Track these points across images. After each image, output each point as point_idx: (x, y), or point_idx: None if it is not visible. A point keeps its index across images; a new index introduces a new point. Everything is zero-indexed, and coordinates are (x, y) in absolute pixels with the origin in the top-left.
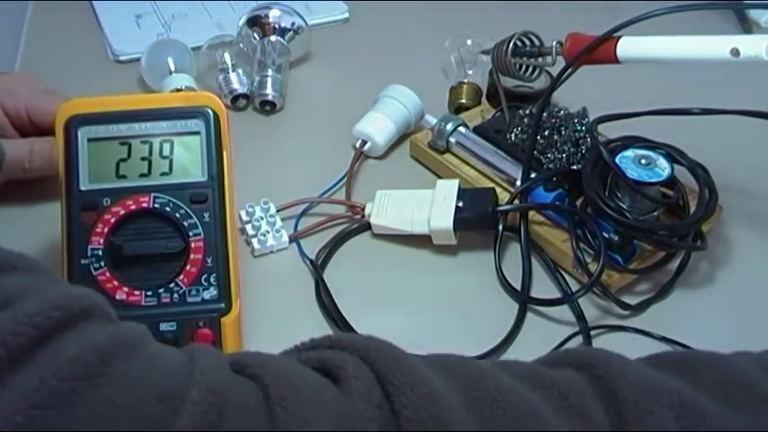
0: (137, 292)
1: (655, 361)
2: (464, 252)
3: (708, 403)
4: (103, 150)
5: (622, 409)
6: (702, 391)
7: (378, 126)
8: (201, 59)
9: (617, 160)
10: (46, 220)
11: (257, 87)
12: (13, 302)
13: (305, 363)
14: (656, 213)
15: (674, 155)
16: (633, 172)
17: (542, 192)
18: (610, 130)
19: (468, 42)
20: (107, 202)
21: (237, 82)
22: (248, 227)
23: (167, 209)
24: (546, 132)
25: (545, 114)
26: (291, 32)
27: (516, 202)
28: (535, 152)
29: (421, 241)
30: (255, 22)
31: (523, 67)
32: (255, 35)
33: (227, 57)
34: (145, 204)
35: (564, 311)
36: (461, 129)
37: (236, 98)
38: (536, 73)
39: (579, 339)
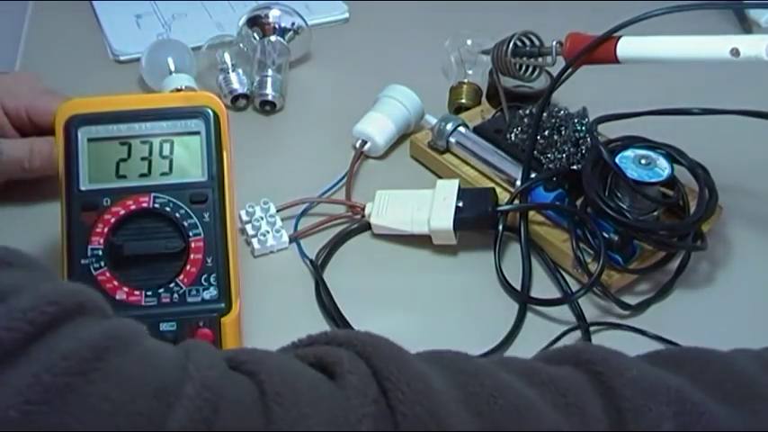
0: (137, 292)
1: (653, 358)
2: (464, 252)
3: (706, 400)
4: (103, 150)
5: (620, 406)
6: (701, 388)
7: (378, 126)
8: (201, 59)
9: (617, 160)
10: (46, 220)
11: (257, 87)
12: (7, 298)
13: (302, 359)
14: (656, 213)
15: (674, 155)
16: (633, 172)
17: (542, 192)
18: (610, 130)
19: (468, 42)
20: (107, 202)
21: (237, 82)
22: (248, 227)
23: (167, 209)
24: (546, 132)
25: (545, 114)
26: (291, 32)
27: (516, 202)
28: (535, 152)
29: (421, 241)
30: (255, 22)
31: (523, 67)
32: (255, 35)
33: (227, 57)
34: (145, 204)
35: (564, 311)
36: (461, 129)
37: (236, 98)
38: (536, 73)
39: (575, 336)
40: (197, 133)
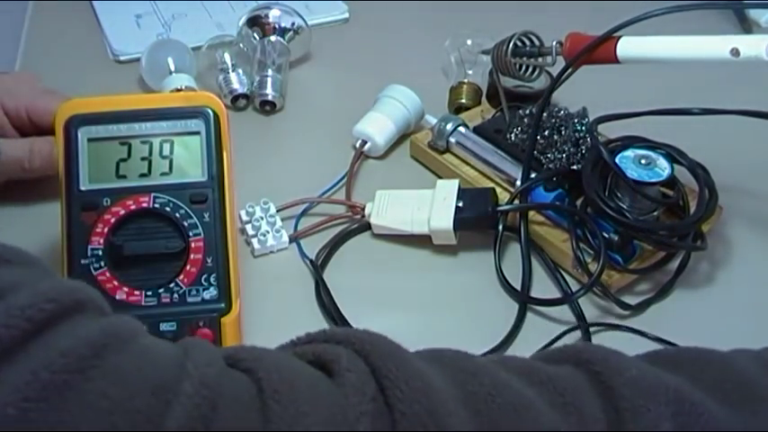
0: (137, 292)
1: (653, 358)
2: (464, 252)
3: (705, 400)
4: (103, 150)
5: (619, 405)
6: (700, 388)
7: (378, 126)
8: (201, 59)
9: (617, 160)
10: (46, 220)
11: (257, 87)
12: (5, 295)
13: (300, 356)
14: (656, 213)
15: (674, 155)
16: (633, 172)
17: (542, 192)
18: (610, 130)
19: (468, 42)
20: (107, 202)
21: (237, 82)
22: (248, 227)
23: (167, 209)
24: (546, 132)
25: (545, 114)
26: (291, 32)
27: (516, 202)
28: (535, 152)
29: (421, 241)
30: (255, 22)
31: (523, 67)
32: (255, 35)
33: (227, 57)
34: (145, 204)
35: (564, 311)
36: (461, 129)
37: (236, 98)
38: (536, 73)
39: (575, 336)
40: (197, 133)
